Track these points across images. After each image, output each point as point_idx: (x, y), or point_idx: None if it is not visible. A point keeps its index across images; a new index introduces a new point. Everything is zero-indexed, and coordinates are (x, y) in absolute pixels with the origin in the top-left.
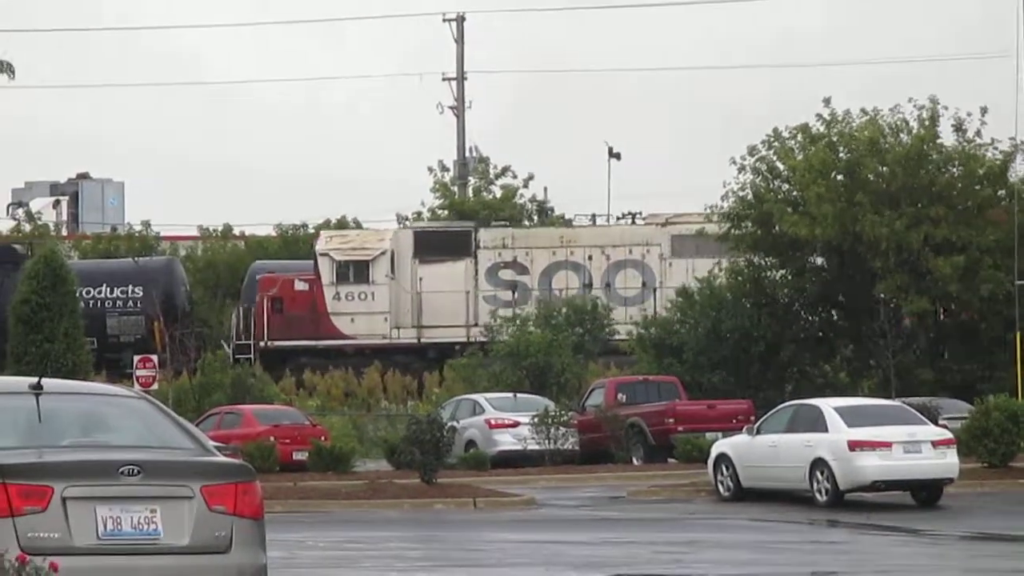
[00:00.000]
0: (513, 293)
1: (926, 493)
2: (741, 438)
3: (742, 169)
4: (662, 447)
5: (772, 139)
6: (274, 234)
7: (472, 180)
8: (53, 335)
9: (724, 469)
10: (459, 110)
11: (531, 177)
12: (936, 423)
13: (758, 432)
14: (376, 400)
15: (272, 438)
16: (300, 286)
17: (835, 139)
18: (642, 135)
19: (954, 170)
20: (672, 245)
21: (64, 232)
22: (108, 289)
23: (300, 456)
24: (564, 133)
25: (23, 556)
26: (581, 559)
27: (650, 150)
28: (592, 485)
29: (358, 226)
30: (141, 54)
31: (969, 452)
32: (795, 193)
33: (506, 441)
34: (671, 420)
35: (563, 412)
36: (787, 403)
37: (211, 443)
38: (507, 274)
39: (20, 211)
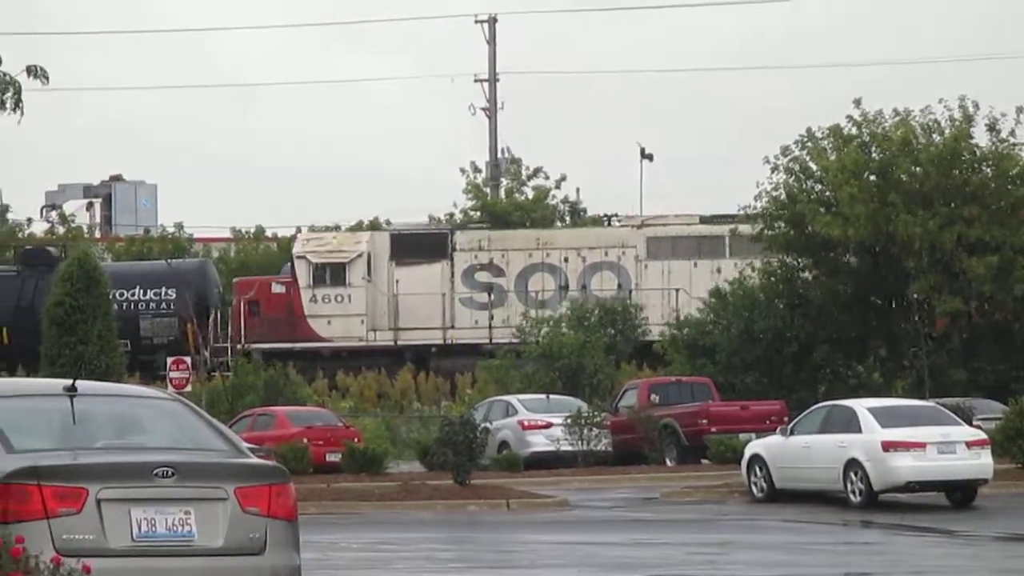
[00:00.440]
0: (489, 295)
1: (960, 494)
2: (774, 439)
3: (775, 169)
4: (695, 448)
5: (805, 139)
6: None
7: (504, 181)
8: (86, 337)
9: (757, 470)
10: (491, 111)
11: (563, 178)
12: (970, 424)
13: (791, 433)
14: (409, 402)
15: (305, 440)
16: (277, 289)
17: (867, 139)
18: (675, 135)
19: (987, 170)
20: (648, 247)
21: (97, 234)
22: (141, 291)
23: (333, 458)
24: (596, 134)
25: (58, 558)
26: (614, 560)
27: (683, 150)
28: (625, 486)
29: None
30: (175, 56)
31: (1003, 453)
32: (828, 193)
33: (539, 442)
34: (704, 421)
35: (596, 413)
36: (820, 404)
37: (245, 445)
38: (483, 276)
39: (54, 213)
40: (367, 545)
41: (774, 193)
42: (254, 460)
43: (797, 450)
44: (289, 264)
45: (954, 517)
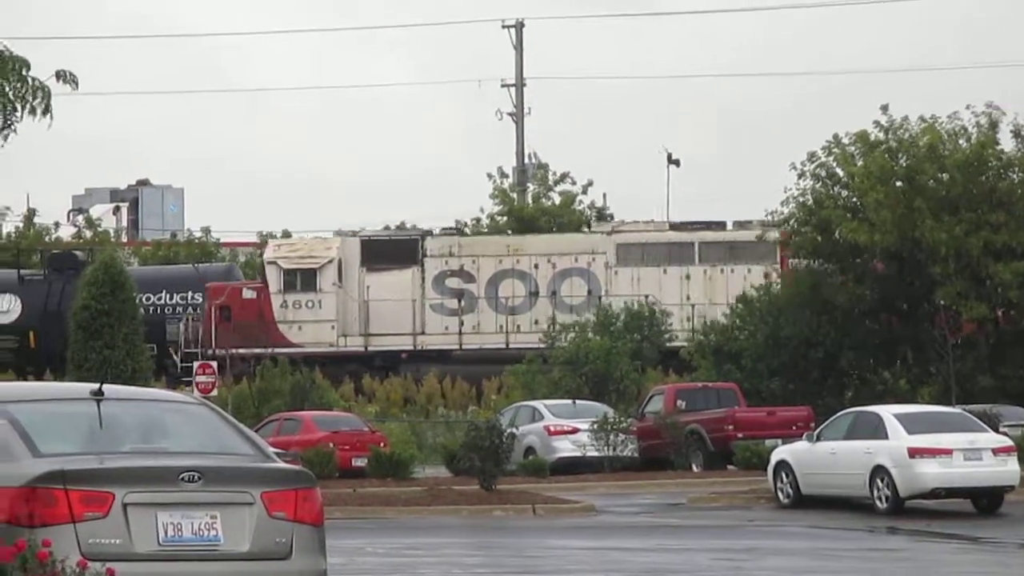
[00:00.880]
0: (459, 301)
1: (986, 501)
2: (801, 445)
3: (802, 175)
4: (722, 454)
5: (832, 145)
6: None
7: (531, 186)
8: (113, 341)
9: (784, 476)
10: (518, 116)
11: (590, 183)
12: (997, 430)
13: (818, 439)
14: (435, 406)
15: (331, 444)
16: (248, 294)
17: (894, 145)
18: (702, 140)
19: (1014, 176)
20: (617, 253)
21: (124, 238)
22: (168, 295)
23: (359, 462)
24: (623, 139)
25: (84, 562)
26: (640, 566)
27: (710, 155)
28: (651, 492)
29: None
30: (203, 62)
31: None
32: (854, 199)
33: (565, 448)
34: (731, 427)
35: (622, 419)
36: (847, 410)
37: (271, 449)
38: (453, 282)
39: (80, 218)
40: (393, 550)
41: (801, 199)
42: (280, 465)
43: (823, 456)
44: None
45: (980, 524)
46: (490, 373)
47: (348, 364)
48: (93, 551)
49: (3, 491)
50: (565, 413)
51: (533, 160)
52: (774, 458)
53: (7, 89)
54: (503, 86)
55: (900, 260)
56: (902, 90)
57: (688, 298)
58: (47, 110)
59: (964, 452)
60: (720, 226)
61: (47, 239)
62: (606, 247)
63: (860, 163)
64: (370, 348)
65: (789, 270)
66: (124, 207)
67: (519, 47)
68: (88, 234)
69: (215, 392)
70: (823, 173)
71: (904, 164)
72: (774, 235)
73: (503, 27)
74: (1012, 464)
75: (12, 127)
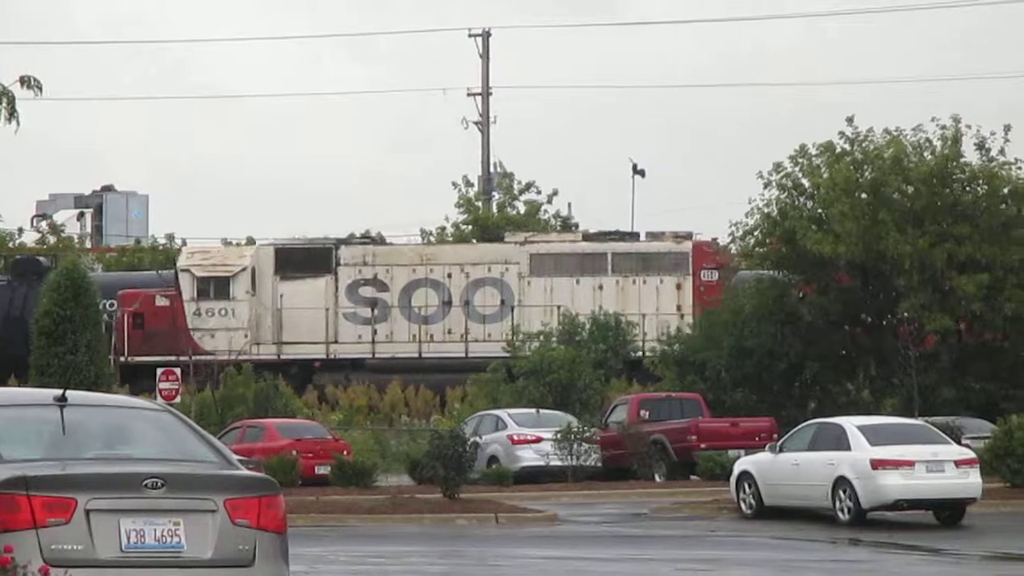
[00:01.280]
0: (372, 310)
1: (948, 512)
2: (764, 456)
3: (767, 185)
4: (685, 464)
5: (798, 155)
6: None
7: (496, 195)
8: (75, 347)
9: (746, 487)
10: (484, 125)
11: (555, 193)
12: (959, 442)
13: (781, 450)
14: (398, 415)
15: (294, 452)
16: (161, 302)
17: (859, 157)
18: (667, 151)
19: (978, 188)
20: (531, 264)
21: (88, 244)
22: None
23: (322, 470)
24: (589, 149)
25: (46, 568)
26: None
27: (675, 166)
28: (614, 501)
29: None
30: (166, 68)
31: (992, 472)
32: (819, 210)
33: (529, 457)
34: (694, 437)
35: (586, 428)
36: (810, 421)
37: (235, 456)
38: (367, 291)
39: (44, 223)
40: (356, 558)
41: (766, 209)
42: (244, 472)
43: (786, 467)
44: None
45: (942, 536)
46: (403, 382)
47: (260, 372)
48: (55, 557)
49: None
50: (529, 422)
51: (498, 169)
52: (737, 469)
53: None
54: (469, 95)
55: (864, 272)
56: (869, 102)
57: (600, 308)
58: (12, 115)
59: (926, 464)
60: (633, 237)
61: (11, 244)
62: (519, 257)
63: (825, 174)
64: (283, 356)
65: (710, 281)
66: (88, 213)
67: (485, 56)
68: (52, 240)
69: (178, 399)
70: (789, 184)
71: (869, 176)
72: (687, 246)
73: (470, 36)
74: (974, 476)
75: None
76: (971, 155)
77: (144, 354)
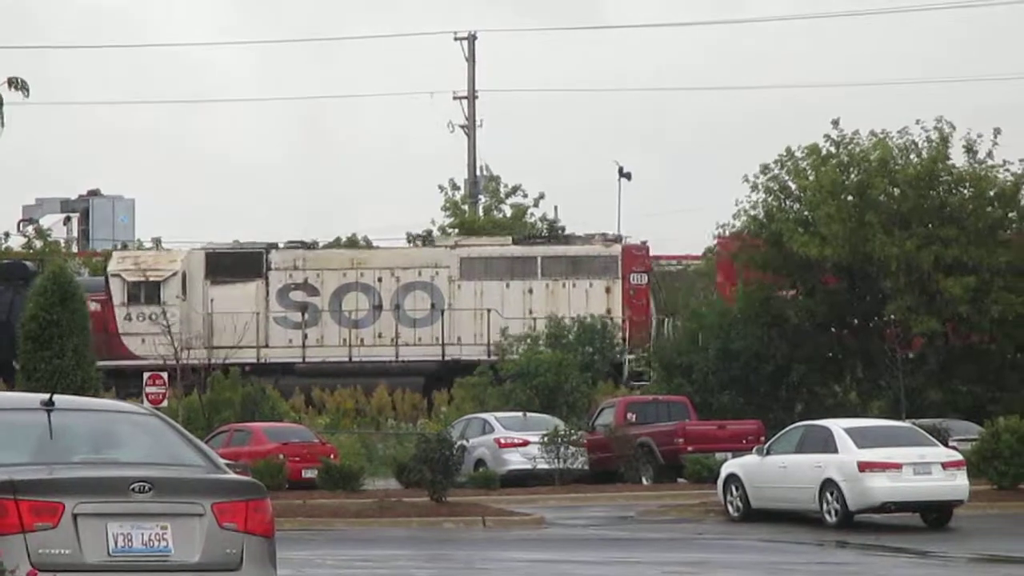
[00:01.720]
0: (303, 315)
1: (936, 515)
2: (751, 458)
3: (754, 188)
4: (672, 467)
5: (785, 158)
6: None
7: (483, 199)
8: (62, 351)
9: (734, 489)
10: (470, 129)
11: (542, 196)
12: (946, 445)
13: (768, 452)
14: (385, 418)
15: (281, 455)
16: (92, 306)
17: (845, 159)
18: (654, 154)
19: (965, 191)
20: (461, 267)
21: (75, 249)
22: None
23: (309, 474)
24: (575, 152)
25: (34, 572)
26: None
27: (662, 169)
28: (601, 505)
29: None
30: (151, 70)
31: (979, 474)
32: (806, 213)
33: (515, 460)
34: (681, 440)
35: (573, 431)
36: (797, 424)
37: (222, 460)
38: (298, 295)
39: (31, 228)
40: (343, 562)
41: (752, 212)
42: (231, 476)
43: (773, 470)
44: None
45: (929, 538)
46: (333, 386)
47: (191, 377)
48: (43, 561)
49: None
50: (515, 426)
51: (485, 172)
52: (724, 471)
53: None
54: (455, 98)
55: (851, 274)
56: (855, 104)
57: (530, 312)
58: None
59: (914, 466)
60: (563, 240)
61: None
62: (450, 261)
63: (812, 177)
64: (213, 361)
65: (640, 284)
66: (75, 217)
67: (471, 59)
68: (38, 244)
69: (165, 403)
70: (775, 186)
71: (855, 178)
72: (616, 249)
73: (455, 39)
74: (961, 478)
75: None
76: (958, 157)
77: None
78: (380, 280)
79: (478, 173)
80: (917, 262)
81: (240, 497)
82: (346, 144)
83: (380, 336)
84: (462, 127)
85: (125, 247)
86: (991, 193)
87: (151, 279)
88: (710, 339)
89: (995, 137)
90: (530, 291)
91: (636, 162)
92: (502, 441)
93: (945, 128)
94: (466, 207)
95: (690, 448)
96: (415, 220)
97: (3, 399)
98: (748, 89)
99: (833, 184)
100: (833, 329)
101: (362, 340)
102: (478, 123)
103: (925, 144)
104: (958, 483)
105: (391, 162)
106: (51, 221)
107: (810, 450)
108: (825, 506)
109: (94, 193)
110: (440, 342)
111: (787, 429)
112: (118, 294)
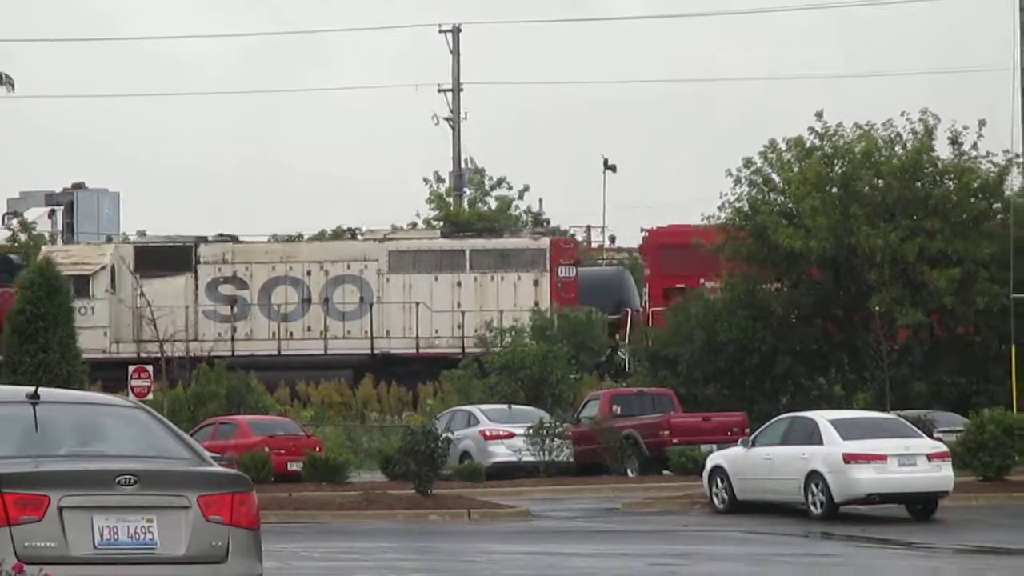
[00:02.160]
0: (232, 308)
1: (921, 506)
2: (736, 450)
3: (738, 181)
4: (657, 459)
5: (768, 150)
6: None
7: (467, 191)
8: (48, 345)
9: (719, 481)
10: (455, 121)
11: (526, 188)
12: (931, 436)
13: (753, 444)
14: (370, 411)
15: (267, 448)
16: None
17: (829, 152)
18: (638, 147)
19: (949, 183)
20: (389, 260)
21: (59, 242)
22: None
23: (295, 466)
24: (560, 145)
25: (20, 565)
26: (575, 571)
27: (646, 162)
28: (587, 497)
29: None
30: (136, 63)
31: (964, 465)
32: (790, 205)
33: (501, 452)
34: (666, 432)
35: (558, 423)
36: (782, 416)
37: (207, 453)
38: (227, 289)
39: (15, 221)
40: (328, 554)
41: (737, 204)
42: (217, 468)
43: (759, 462)
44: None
45: (914, 529)
46: (261, 380)
47: (120, 371)
48: (29, 554)
49: None
50: (501, 418)
51: (469, 165)
52: (709, 463)
53: None
54: (440, 91)
55: (836, 266)
56: (842, 96)
57: (459, 305)
58: None
59: (899, 458)
60: (492, 234)
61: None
62: (378, 254)
63: (796, 169)
64: (142, 355)
65: (568, 277)
66: (59, 211)
67: (456, 52)
68: (23, 238)
69: (150, 396)
70: (759, 179)
71: (840, 170)
72: (544, 242)
73: (440, 32)
74: (946, 470)
75: None
76: (943, 150)
77: (2, 354)
78: (309, 273)
79: (463, 166)
80: (902, 254)
81: (226, 490)
82: (330, 137)
83: (309, 329)
84: (447, 120)
85: (110, 240)
86: (975, 185)
87: (80, 273)
88: (695, 331)
89: (980, 129)
90: (459, 284)
91: (622, 154)
92: (487, 433)
93: (930, 120)
94: (451, 200)
95: (675, 440)
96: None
97: None
98: (735, 81)
99: (817, 176)
100: (818, 321)
101: (291, 333)
102: (463, 116)
103: (910, 136)
104: (943, 474)
105: (375, 155)
106: (35, 214)
107: (795, 442)
108: (810, 498)
109: (79, 186)
110: (369, 335)
111: (772, 421)
112: None
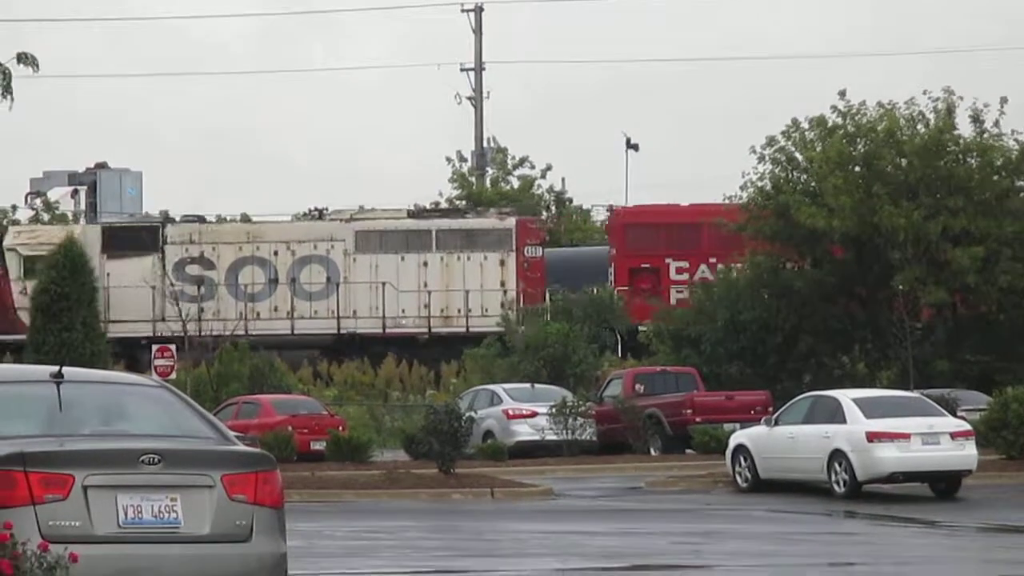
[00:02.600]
0: (199, 288)
1: (944, 485)
2: (759, 429)
3: (761, 159)
4: (680, 438)
5: (791, 129)
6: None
7: (490, 170)
8: (71, 324)
9: (742, 460)
10: (477, 100)
11: (549, 168)
12: (955, 415)
13: (776, 423)
14: (393, 390)
15: (290, 428)
16: None
17: (852, 130)
18: (660, 125)
19: (972, 161)
20: (356, 241)
21: (82, 221)
22: None
23: (318, 446)
24: (582, 124)
25: (44, 544)
26: (598, 550)
27: (669, 141)
28: (610, 476)
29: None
30: (158, 43)
31: (987, 444)
32: (813, 184)
33: (524, 431)
34: (689, 411)
35: (581, 402)
36: (805, 394)
37: (231, 432)
38: (194, 269)
39: (38, 201)
40: (352, 533)
41: (760, 183)
42: (241, 447)
43: (782, 440)
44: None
45: (938, 508)
46: None
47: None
48: (53, 533)
49: None
50: (524, 397)
51: (492, 144)
52: (732, 442)
53: None
54: (462, 70)
55: (859, 245)
56: (866, 75)
57: (425, 285)
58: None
59: (922, 436)
60: (458, 214)
61: (4, 222)
62: (345, 235)
63: (819, 148)
64: (110, 335)
65: (534, 257)
66: (82, 190)
67: (478, 31)
68: (46, 217)
69: (174, 375)
70: (782, 158)
71: (862, 149)
72: (510, 222)
73: (462, 11)
74: (970, 448)
75: None
76: (965, 128)
77: None
78: (276, 254)
79: (485, 145)
80: (925, 232)
81: (250, 469)
82: (352, 116)
83: (276, 309)
84: (469, 99)
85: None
86: (998, 162)
87: (47, 253)
88: (717, 310)
89: (1002, 106)
90: (425, 264)
91: (645, 133)
92: (510, 412)
93: (952, 98)
94: (473, 179)
95: (698, 419)
96: (423, 193)
97: (12, 371)
98: (757, 60)
99: (840, 155)
100: (841, 300)
101: (258, 313)
102: (485, 95)
103: (932, 114)
104: (967, 453)
105: (398, 134)
106: (59, 194)
107: (818, 421)
108: (833, 476)
109: (101, 166)
110: (335, 315)
111: (795, 400)
112: (14, 268)
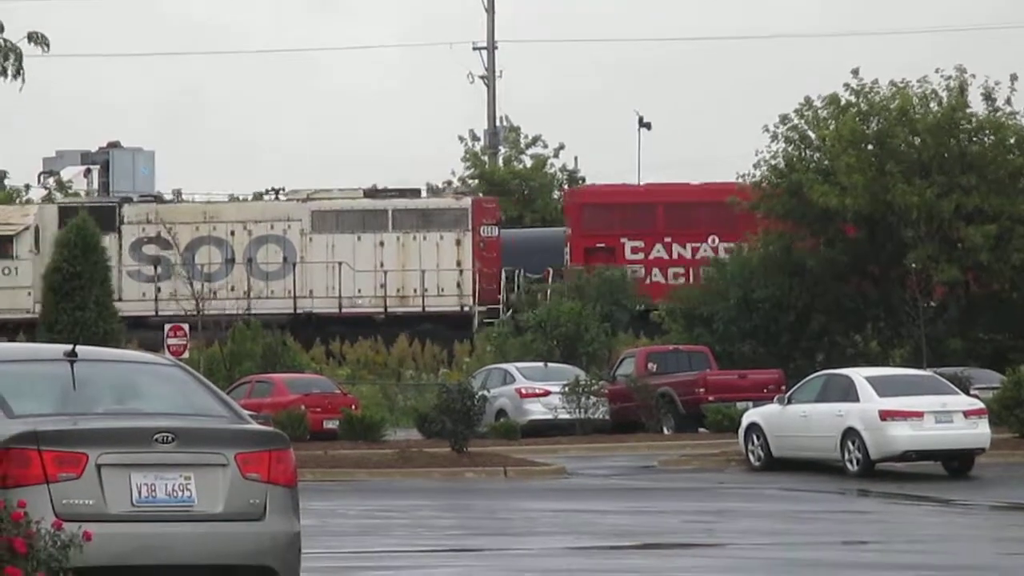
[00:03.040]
0: (155, 268)
1: (957, 463)
2: (772, 408)
3: (774, 138)
4: (693, 416)
5: (804, 108)
6: None
7: (502, 150)
8: (84, 303)
9: (755, 439)
10: (489, 79)
11: (561, 147)
12: (968, 393)
13: (789, 402)
14: (406, 369)
15: (303, 407)
16: None
17: (865, 109)
18: (673, 104)
19: (985, 139)
20: (312, 220)
21: (38, 201)
22: None
23: (331, 425)
24: (595, 102)
25: (58, 522)
26: (611, 528)
27: (681, 119)
28: (622, 454)
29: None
30: (171, 23)
31: (1000, 422)
32: (826, 163)
33: (536, 410)
34: (702, 390)
35: (594, 381)
36: (818, 373)
37: (245, 411)
38: (151, 249)
39: (51, 180)
40: (365, 512)
41: (773, 162)
42: (254, 426)
43: (795, 419)
44: None
45: (951, 486)
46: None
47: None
48: (67, 512)
49: None
50: (537, 376)
51: (504, 123)
52: (745, 421)
53: None
54: (475, 49)
55: (872, 223)
56: (876, 54)
57: (381, 265)
58: (19, 72)
59: (935, 415)
60: (414, 193)
61: (17, 201)
62: (301, 214)
63: (832, 127)
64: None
65: (490, 237)
66: (95, 169)
67: (490, 9)
68: (59, 196)
69: (186, 354)
70: (795, 136)
71: (875, 128)
72: (467, 202)
73: None
74: (983, 426)
75: None
76: (977, 105)
77: None
78: (233, 234)
79: (498, 124)
80: (938, 211)
81: (263, 447)
82: (364, 95)
83: (232, 289)
84: (481, 78)
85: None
86: (1011, 140)
87: (3, 233)
88: (730, 288)
89: (1012, 84)
90: (381, 244)
91: (657, 112)
92: (523, 391)
93: (964, 76)
94: (486, 158)
95: (711, 398)
96: (435, 172)
97: (26, 350)
98: (774, 38)
99: (853, 134)
100: (854, 279)
101: (215, 293)
102: (498, 74)
103: (944, 92)
104: (980, 431)
105: (410, 113)
106: (71, 173)
107: (831, 399)
108: (847, 455)
109: (114, 145)
110: (292, 295)
111: (808, 378)
112: None
